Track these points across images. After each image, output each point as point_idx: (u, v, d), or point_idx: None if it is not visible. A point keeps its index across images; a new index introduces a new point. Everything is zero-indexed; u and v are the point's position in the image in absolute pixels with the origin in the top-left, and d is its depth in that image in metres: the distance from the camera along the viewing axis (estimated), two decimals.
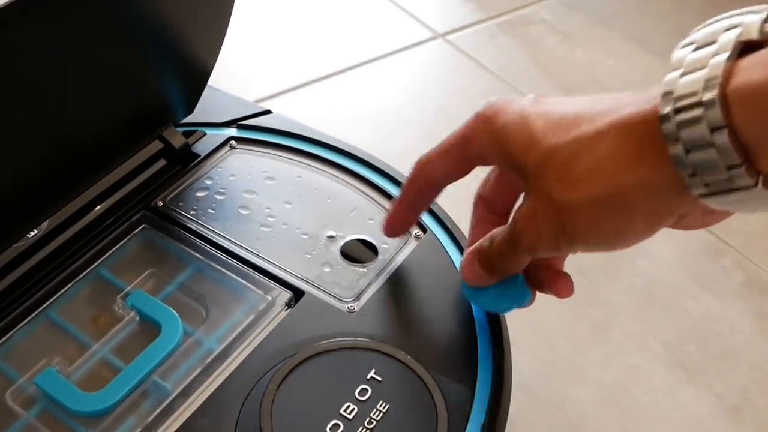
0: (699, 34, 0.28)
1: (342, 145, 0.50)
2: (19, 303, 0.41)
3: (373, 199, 0.48)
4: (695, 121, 0.26)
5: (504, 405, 0.38)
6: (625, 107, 0.29)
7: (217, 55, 0.49)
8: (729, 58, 0.26)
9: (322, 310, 0.41)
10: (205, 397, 0.37)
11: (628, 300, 0.60)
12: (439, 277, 0.43)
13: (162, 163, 0.49)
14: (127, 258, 0.44)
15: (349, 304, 0.41)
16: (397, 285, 0.43)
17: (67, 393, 0.37)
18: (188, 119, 0.52)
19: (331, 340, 0.39)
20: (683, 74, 0.27)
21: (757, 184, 0.26)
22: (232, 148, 0.51)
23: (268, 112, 0.54)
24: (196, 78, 0.49)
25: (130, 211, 0.46)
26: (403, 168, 0.43)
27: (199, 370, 0.38)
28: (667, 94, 0.27)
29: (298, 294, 0.42)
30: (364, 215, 0.46)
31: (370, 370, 0.37)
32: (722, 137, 0.26)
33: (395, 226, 0.41)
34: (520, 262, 0.35)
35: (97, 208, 0.46)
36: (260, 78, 0.81)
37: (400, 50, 0.87)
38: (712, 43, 0.27)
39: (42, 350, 0.39)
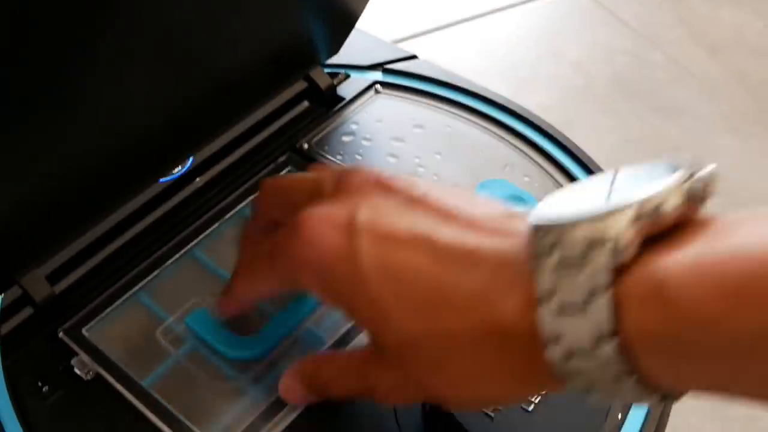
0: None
1: (495, 96, 0.47)
2: (164, 241, 0.41)
3: (527, 155, 0.45)
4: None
5: None
6: (494, 291, 0.24)
7: None
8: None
9: None
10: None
11: None
12: None
13: (305, 104, 0.48)
14: None
15: None
16: None
17: (218, 335, 0.36)
18: (331, 60, 0.49)
19: None
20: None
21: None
22: (377, 92, 0.49)
23: (414, 57, 0.51)
24: (347, 17, 0.47)
25: (275, 152, 0.45)
26: None
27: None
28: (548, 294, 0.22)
29: None
30: (518, 171, 0.44)
31: None
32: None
33: None
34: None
35: (243, 146, 0.45)
36: (390, 19, 0.79)
37: None
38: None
39: (189, 290, 0.39)
